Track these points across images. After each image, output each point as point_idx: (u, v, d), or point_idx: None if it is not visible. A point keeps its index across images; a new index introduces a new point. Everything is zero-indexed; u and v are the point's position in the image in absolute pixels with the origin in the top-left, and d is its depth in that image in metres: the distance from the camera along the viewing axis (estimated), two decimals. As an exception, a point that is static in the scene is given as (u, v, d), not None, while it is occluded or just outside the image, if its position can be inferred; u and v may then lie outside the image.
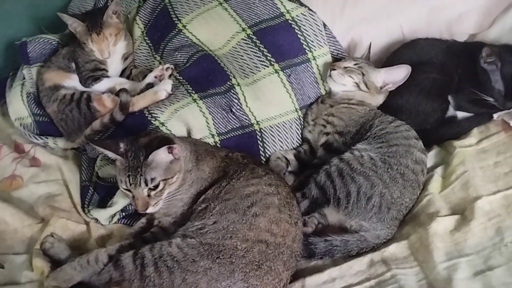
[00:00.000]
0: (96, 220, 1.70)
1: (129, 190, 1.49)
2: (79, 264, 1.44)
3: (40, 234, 1.60)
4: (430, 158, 1.79)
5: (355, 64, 1.88)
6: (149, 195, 1.48)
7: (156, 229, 1.57)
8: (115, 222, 1.72)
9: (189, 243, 1.37)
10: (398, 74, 1.83)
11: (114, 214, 1.71)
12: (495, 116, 1.84)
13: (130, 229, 1.65)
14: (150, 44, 2.01)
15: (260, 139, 1.81)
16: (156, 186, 1.47)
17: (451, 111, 1.94)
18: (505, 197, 1.55)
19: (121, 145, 1.49)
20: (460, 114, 1.95)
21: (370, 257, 1.51)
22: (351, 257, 1.53)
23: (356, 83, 1.85)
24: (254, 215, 1.42)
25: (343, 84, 1.85)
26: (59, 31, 2.11)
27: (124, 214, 1.72)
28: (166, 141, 1.48)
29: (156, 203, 1.49)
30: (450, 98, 1.93)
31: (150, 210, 1.49)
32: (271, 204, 1.46)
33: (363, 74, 1.85)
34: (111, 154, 1.50)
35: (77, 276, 1.43)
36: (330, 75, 1.85)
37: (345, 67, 1.86)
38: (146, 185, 1.46)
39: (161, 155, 1.47)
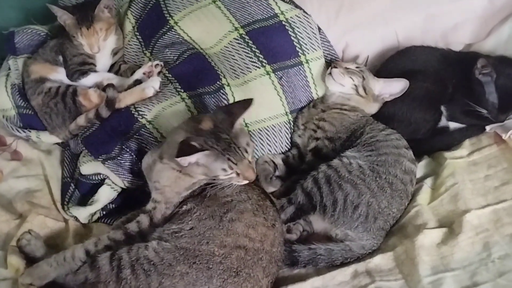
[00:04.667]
0: (76, 218, 1.66)
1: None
2: (55, 260, 1.40)
3: (17, 231, 1.55)
4: (420, 168, 1.77)
5: (356, 67, 1.86)
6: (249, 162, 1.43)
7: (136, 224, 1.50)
8: (95, 221, 1.68)
9: (164, 247, 1.34)
10: (396, 86, 1.81)
11: (94, 213, 1.68)
12: (487, 128, 1.82)
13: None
14: (141, 40, 1.97)
15: (248, 142, 1.78)
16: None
17: (443, 121, 1.92)
18: (494, 212, 1.53)
19: (193, 142, 1.37)
20: (453, 125, 1.93)
21: (354, 267, 1.48)
22: (335, 267, 1.50)
23: (355, 86, 1.82)
24: (230, 220, 1.39)
25: (341, 84, 1.83)
26: (49, 22, 2.07)
27: (104, 213, 1.69)
28: (248, 102, 1.46)
29: (253, 164, 1.45)
30: (443, 108, 1.91)
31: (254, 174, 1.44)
32: (245, 209, 1.43)
33: (363, 78, 1.83)
34: (194, 157, 1.37)
35: (53, 273, 1.40)
36: (330, 73, 1.83)
37: (346, 68, 1.84)
38: (247, 152, 1.41)
39: (240, 120, 1.45)
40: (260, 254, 1.37)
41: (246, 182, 1.42)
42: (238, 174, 1.40)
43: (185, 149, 1.35)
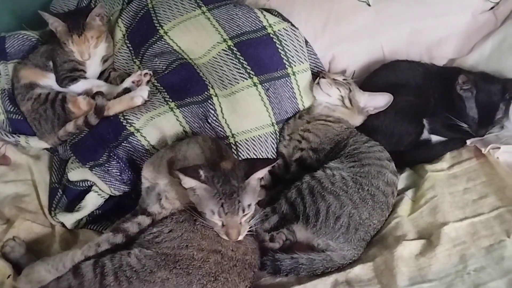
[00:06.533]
0: (62, 224, 1.67)
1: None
2: (54, 267, 1.42)
3: (4, 236, 1.57)
4: (402, 180, 1.81)
5: (344, 79, 1.90)
6: (240, 222, 1.38)
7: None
8: (81, 227, 1.70)
9: (146, 254, 1.38)
10: (380, 100, 1.86)
11: (81, 219, 1.69)
12: (468, 142, 1.86)
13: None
14: (131, 48, 1.99)
15: (235, 152, 1.79)
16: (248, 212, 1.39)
17: (425, 134, 1.96)
18: (472, 225, 1.56)
19: (201, 171, 1.35)
20: (434, 138, 1.97)
21: (335, 277, 1.51)
22: (316, 276, 1.52)
23: (342, 97, 1.86)
24: (202, 225, 1.42)
25: (328, 94, 1.87)
26: (40, 28, 2.09)
27: (91, 219, 1.70)
28: (270, 160, 1.42)
29: (244, 230, 1.40)
30: (425, 121, 1.95)
31: (240, 238, 1.39)
32: None
33: (350, 90, 1.87)
34: (193, 182, 1.35)
35: (50, 278, 1.41)
36: (318, 83, 1.87)
37: (334, 79, 1.88)
38: (243, 212, 1.36)
39: (257, 177, 1.39)
40: (234, 261, 1.41)
41: (225, 238, 1.38)
42: (223, 226, 1.37)
43: (189, 171, 1.34)
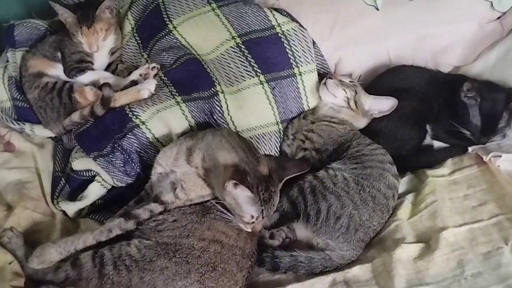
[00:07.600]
0: (64, 212, 1.68)
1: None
2: (66, 250, 1.41)
3: (4, 222, 1.57)
4: (403, 184, 1.82)
5: (350, 81, 1.92)
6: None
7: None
8: (83, 217, 1.71)
9: (146, 244, 1.40)
10: (385, 104, 1.87)
11: (83, 209, 1.70)
12: (470, 149, 1.88)
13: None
14: (139, 41, 2.00)
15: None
16: None
17: (428, 140, 1.98)
18: (470, 231, 1.57)
19: (249, 178, 1.38)
20: (437, 144, 1.99)
21: (333, 276, 1.52)
22: (314, 274, 1.53)
23: (347, 98, 1.87)
24: (213, 218, 1.45)
25: (334, 95, 1.88)
26: (49, 17, 2.09)
27: (93, 209, 1.71)
28: (302, 165, 1.51)
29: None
30: (428, 127, 1.96)
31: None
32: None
33: (356, 92, 1.88)
34: (241, 190, 1.37)
35: (59, 259, 1.41)
36: (324, 83, 1.88)
37: (340, 80, 1.89)
38: (271, 211, 1.45)
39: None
40: (234, 250, 1.44)
41: (248, 230, 1.44)
42: (251, 223, 1.42)
43: (240, 179, 1.34)
